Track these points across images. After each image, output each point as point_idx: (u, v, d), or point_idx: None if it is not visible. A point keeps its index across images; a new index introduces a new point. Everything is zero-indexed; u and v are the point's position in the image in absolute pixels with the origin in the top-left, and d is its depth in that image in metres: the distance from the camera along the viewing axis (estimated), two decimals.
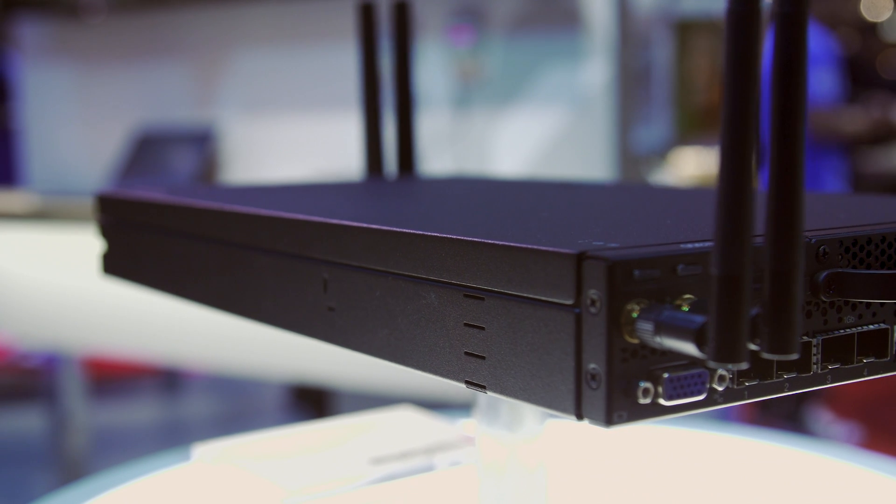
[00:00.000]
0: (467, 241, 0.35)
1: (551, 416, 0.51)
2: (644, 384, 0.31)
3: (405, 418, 0.72)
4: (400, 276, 0.38)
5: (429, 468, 0.63)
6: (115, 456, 2.29)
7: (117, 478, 0.67)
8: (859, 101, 2.56)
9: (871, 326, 0.36)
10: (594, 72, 1.67)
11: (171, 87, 2.07)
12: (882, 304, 0.36)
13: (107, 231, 0.60)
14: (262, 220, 0.46)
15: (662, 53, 4.29)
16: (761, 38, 0.28)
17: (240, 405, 2.88)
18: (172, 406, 2.94)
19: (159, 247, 0.55)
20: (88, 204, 1.88)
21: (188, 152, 1.97)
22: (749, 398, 0.33)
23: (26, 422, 2.67)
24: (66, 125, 2.20)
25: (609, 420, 0.30)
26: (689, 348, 0.29)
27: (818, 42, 2.37)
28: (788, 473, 0.65)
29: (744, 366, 0.29)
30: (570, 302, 0.31)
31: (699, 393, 0.31)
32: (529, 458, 0.49)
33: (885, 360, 0.36)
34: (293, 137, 1.94)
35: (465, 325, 0.35)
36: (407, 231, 0.38)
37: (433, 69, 1.79)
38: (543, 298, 0.32)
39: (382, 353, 0.40)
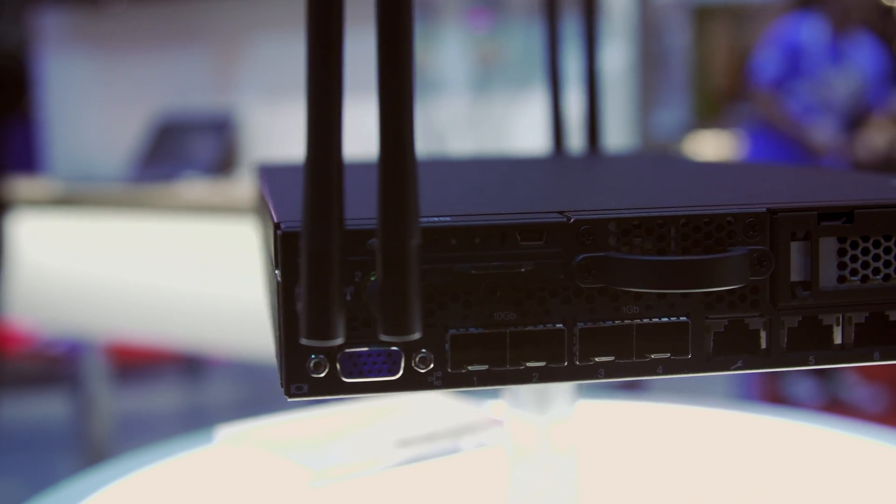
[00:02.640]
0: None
1: (581, 397, 0.51)
2: (315, 358, 0.30)
3: (431, 400, 0.72)
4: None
5: (455, 450, 0.63)
6: (138, 441, 2.30)
7: (141, 460, 0.67)
8: None
9: (664, 319, 0.31)
10: (613, 56, 1.66)
11: (191, 74, 2.07)
12: (685, 295, 0.31)
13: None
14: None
15: (681, 38, 4.27)
16: (344, 7, 0.27)
17: (262, 391, 2.89)
18: (195, 392, 2.95)
19: None
20: (110, 190, 1.89)
21: (208, 139, 1.98)
22: (480, 385, 0.31)
23: (50, 408, 2.69)
24: (87, 113, 2.21)
25: (288, 391, 0.30)
26: None
27: (784, 30, 2.48)
28: (819, 454, 0.64)
29: (337, 342, 0.27)
30: (278, 270, 0.30)
31: (389, 373, 0.30)
32: (559, 441, 0.49)
33: (687, 357, 0.31)
34: None
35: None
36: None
37: (452, 54, 1.78)
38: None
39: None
